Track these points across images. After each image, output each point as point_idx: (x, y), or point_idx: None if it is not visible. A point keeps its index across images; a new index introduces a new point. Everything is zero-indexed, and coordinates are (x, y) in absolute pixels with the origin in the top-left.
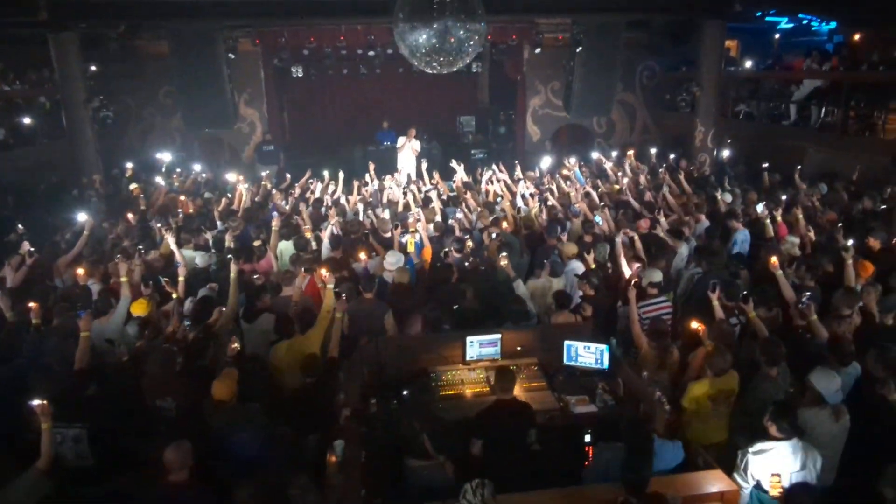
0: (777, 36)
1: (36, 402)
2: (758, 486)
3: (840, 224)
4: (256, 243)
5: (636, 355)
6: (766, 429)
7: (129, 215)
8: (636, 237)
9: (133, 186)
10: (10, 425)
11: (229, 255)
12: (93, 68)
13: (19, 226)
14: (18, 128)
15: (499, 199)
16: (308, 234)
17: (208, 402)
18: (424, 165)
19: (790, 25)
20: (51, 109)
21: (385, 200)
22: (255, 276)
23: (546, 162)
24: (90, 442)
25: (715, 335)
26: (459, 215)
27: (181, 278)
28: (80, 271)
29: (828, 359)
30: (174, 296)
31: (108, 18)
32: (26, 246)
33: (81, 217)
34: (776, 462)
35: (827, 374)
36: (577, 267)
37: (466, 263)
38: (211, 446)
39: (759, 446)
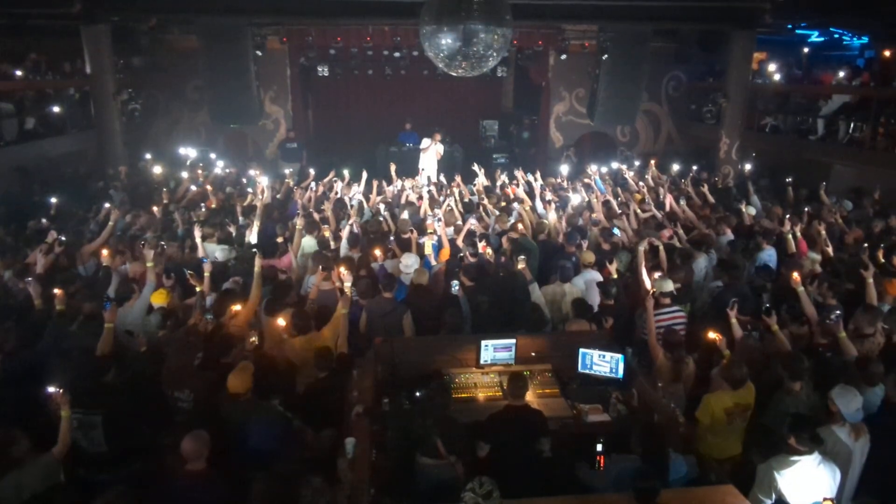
0: (806, 50)
1: (52, 389)
2: (779, 502)
3: (866, 244)
4: (279, 240)
5: (649, 364)
6: (786, 441)
7: (154, 208)
8: (661, 247)
9: (158, 171)
10: (30, 409)
11: (253, 250)
12: (122, 61)
13: (44, 220)
14: (48, 117)
15: (515, 205)
16: (326, 233)
17: (223, 395)
18: (442, 176)
19: (821, 39)
20: (80, 100)
21: (404, 202)
22: (282, 273)
23: (565, 169)
24: (104, 429)
25: (739, 351)
26: (474, 221)
27: (207, 273)
28: (105, 252)
29: (851, 376)
30: (198, 288)
31: (140, 12)
32: (53, 235)
33: (106, 208)
34: (802, 476)
35: (848, 392)
36: (594, 276)
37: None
38: (226, 439)
39: (782, 460)
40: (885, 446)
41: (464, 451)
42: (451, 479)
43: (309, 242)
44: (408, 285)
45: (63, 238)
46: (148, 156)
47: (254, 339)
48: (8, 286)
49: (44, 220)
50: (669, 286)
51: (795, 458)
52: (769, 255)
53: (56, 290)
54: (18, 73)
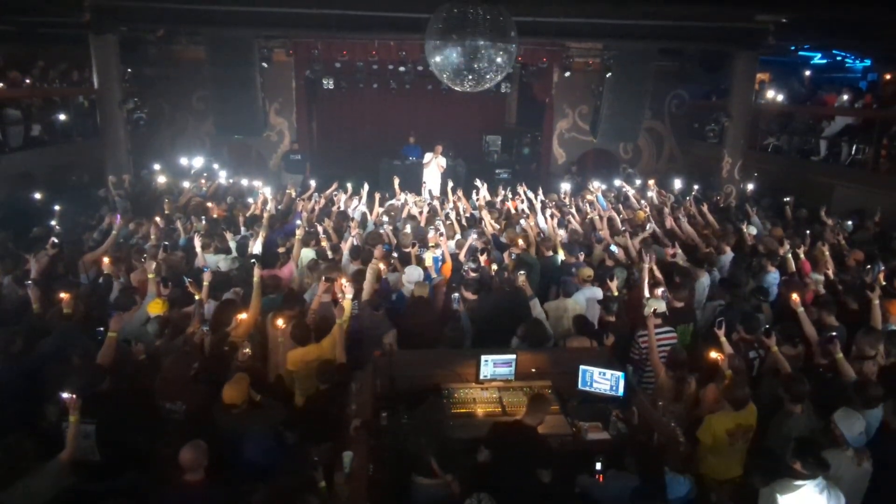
0: (808, 73)
1: (66, 395)
2: None
3: (869, 266)
4: (280, 250)
5: (642, 379)
6: (791, 466)
7: (157, 219)
8: (656, 266)
9: (162, 180)
10: (30, 413)
11: (252, 261)
12: (129, 70)
13: (52, 224)
14: (53, 125)
15: (522, 220)
16: (324, 243)
17: (218, 405)
18: (450, 185)
19: (824, 61)
20: (85, 108)
21: (405, 215)
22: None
23: (566, 185)
24: (98, 438)
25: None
26: (475, 236)
27: (206, 283)
28: (106, 260)
29: (852, 399)
30: (197, 297)
31: (148, 23)
32: (53, 241)
33: (110, 216)
34: (805, 502)
35: (851, 416)
36: (595, 292)
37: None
38: (219, 449)
39: (786, 485)
40: (883, 470)
41: (460, 469)
42: (446, 498)
43: (308, 253)
44: (408, 297)
45: (56, 240)
46: (157, 166)
47: (247, 350)
48: (4, 292)
49: (52, 224)
50: (662, 306)
51: (799, 482)
52: (774, 276)
53: (63, 294)
54: (26, 80)
